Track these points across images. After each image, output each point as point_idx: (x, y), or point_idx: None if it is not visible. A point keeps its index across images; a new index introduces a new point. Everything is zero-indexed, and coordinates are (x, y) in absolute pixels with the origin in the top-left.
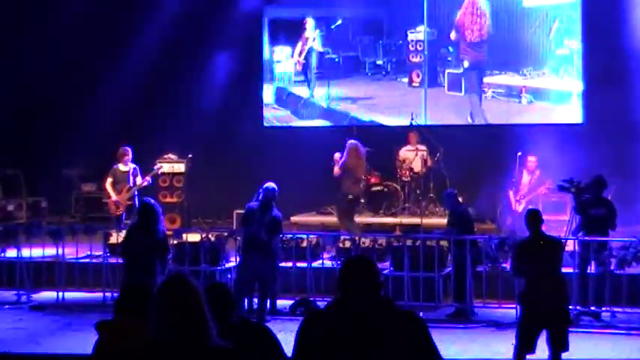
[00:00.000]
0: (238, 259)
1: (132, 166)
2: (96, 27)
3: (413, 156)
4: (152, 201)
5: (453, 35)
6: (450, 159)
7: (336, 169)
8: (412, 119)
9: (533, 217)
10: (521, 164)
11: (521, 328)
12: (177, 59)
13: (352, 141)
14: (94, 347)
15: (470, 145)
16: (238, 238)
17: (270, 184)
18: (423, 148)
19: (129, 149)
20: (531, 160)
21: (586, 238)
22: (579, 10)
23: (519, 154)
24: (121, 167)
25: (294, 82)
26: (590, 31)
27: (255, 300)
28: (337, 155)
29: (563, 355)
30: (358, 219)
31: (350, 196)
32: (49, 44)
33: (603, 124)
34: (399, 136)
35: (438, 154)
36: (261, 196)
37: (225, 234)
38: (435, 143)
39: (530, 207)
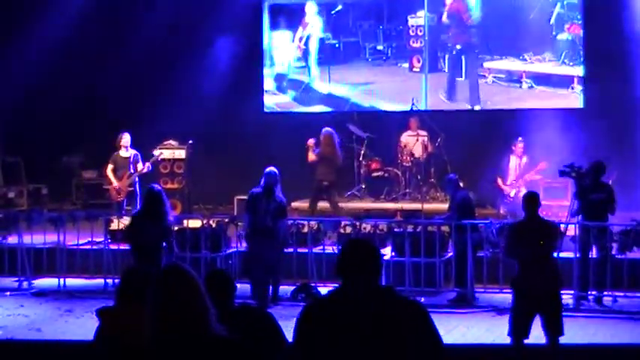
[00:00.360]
0: (243, 244)
1: (132, 152)
2: (95, 14)
3: (414, 141)
4: (158, 187)
5: (444, 18)
6: (450, 144)
7: (311, 156)
8: (413, 104)
9: (530, 200)
10: (509, 149)
11: (514, 313)
12: (177, 45)
13: (327, 129)
14: (95, 334)
15: (471, 131)
16: (239, 224)
17: (272, 169)
18: (424, 133)
19: (127, 134)
20: (519, 145)
21: (586, 222)
22: None
23: (520, 139)
24: (122, 153)
25: (294, 68)
26: (591, 16)
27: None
28: (311, 141)
29: (564, 340)
30: (323, 204)
31: (325, 183)
32: (48, 29)
33: (604, 109)
34: (400, 121)
35: (438, 140)
36: (263, 182)
37: (226, 220)
38: (436, 128)
39: (528, 190)
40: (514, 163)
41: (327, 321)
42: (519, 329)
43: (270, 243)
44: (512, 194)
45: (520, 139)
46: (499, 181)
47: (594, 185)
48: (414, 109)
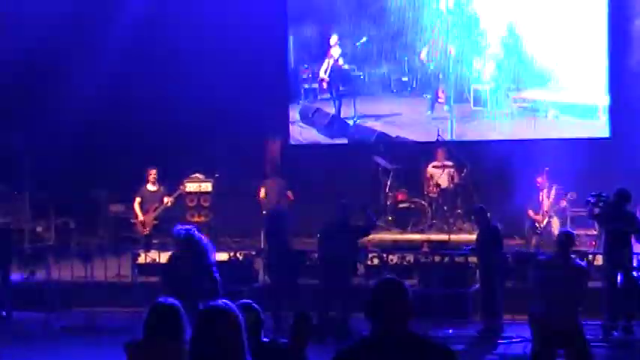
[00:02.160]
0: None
1: (160, 186)
2: (123, 48)
3: (440, 172)
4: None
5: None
6: (477, 174)
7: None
8: (438, 135)
9: (565, 240)
10: (537, 180)
11: (534, 349)
12: (204, 80)
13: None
14: None
15: (497, 161)
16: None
17: (344, 200)
18: (450, 164)
19: (154, 169)
20: (540, 179)
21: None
22: (605, 25)
23: (546, 169)
24: (149, 187)
25: (320, 100)
26: (616, 44)
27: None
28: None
29: None
30: None
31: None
32: (78, 65)
33: (630, 137)
34: (426, 152)
35: (464, 170)
36: (338, 213)
37: (254, 253)
38: (462, 159)
39: (565, 229)
40: (543, 193)
41: None
42: None
43: (344, 274)
44: (543, 224)
45: (546, 169)
46: (530, 212)
47: (618, 213)
48: (440, 139)
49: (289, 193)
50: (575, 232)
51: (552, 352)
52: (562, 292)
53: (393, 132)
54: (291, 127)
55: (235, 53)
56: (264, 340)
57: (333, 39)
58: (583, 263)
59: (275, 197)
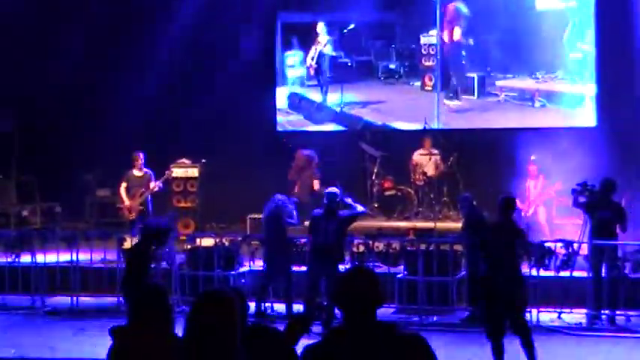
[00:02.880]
0: (256, 263)
1: (146, 171)
2: (110, 33)
3: (426, 160)
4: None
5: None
6: (463, 163)
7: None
8: (425, 123)
9: (505, 204)
10: (523, 169)
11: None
12: (191, 65)
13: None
14: (108, 353)
15: (483, 149)
16: (252, 242)
17: (332, 189)
18: (436, 152)
19: (141, 154)
20: (532, 168)
21: (594, 241)
22: (592, 14)
23: (533, 157)
24: (135, 172)
25: (307, 87)
26: (603, 34)
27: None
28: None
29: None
30: None
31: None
32: (67, 49)
33: (617, 127)
34: (413, 140)
35: (451, 158)
36: (325, 202)
37: (239, 238)
38: (449, 147)
39: (505, 194)
40: (529, 182)
41: None
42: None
43: (332, 264)
44: (529, 213)
45: (533, 157)
46: (517, 202)
47: (603, 203)
48: (427, 127)
49: (315, 183)
50: (560, 221)
51: (498, 313)
52: (503, 254)
53: (379, 119)
54: (277, 113)
55: (223, 39)
56: (249, 324)
57: (320, 26)
58: (522, 226)
59: (306, 191)
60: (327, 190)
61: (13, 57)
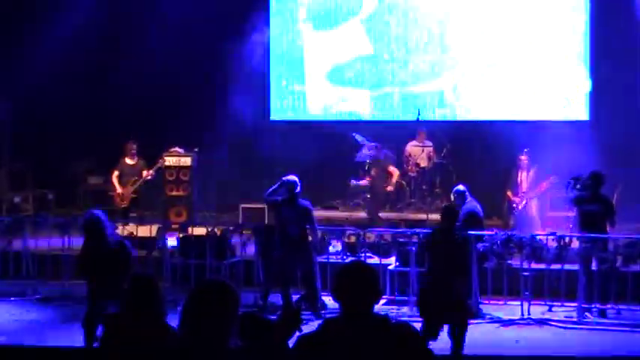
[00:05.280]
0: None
1: (139, 160)
2: (103, 21)
3: (419, 151)
4: (94, 214)
5: None
6: (457, 155)
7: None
8: (419, 114)
9: (447, 212)
10: (516, 161)
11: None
12: (184, 53)
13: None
14: (100, 340)
15: (477, 141)
16: (244, 232)
17: (291, 177)
18: (429, 143)
19: (134, 142)
20: (522, 158)
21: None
22: (587, 7)
23: (525, 150)
24: (128, 161)
25: (304, 75)
26: (597, 29)
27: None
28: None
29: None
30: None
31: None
32: (54, 36)
33: (610, 121)
34: (406, 131)
35: (444, 150)
36: (283, 191)
37: (232, 228)
38: (442, 139)
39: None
40: (522, 175)
41: (320, 352)
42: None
43: (294, 252)
44: (520, 206)
45: (526, 150)
46: (508, 192)
47: (592, 197)
48: (420, 119)
49: (391, 169)
50: (552, 213)
51: (438, 322)
52: (443, 263)
53: (373, 110)
54: (272, 102)
55: (216, 27)
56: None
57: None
58: (464, 235)
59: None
60: (285, 179)
61: (3, 45)
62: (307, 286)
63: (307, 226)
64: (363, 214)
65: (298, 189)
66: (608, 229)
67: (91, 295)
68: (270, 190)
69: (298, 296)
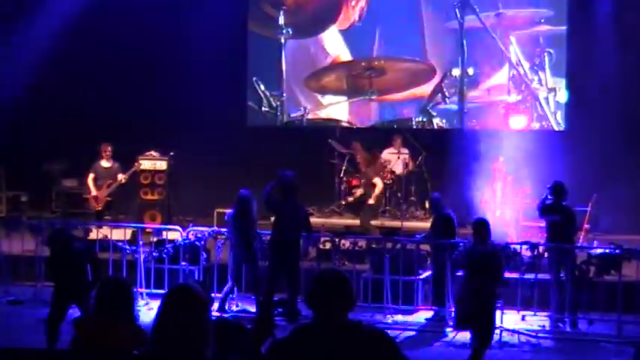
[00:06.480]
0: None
1: (114, 162)
2: (78, 25)
3: (395, 159)
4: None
5: None
6: (432, 163)
7: None
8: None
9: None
10: (491, 170)
11: None
12: (160, 56)
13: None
14: (71, 343)
15: (452, 150)
16: (218, 237)
17: (244, 192)
18: (405, 151)
19: (109, 145)
20: (499, 169)
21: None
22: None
23: (501, 159)
24: (103, 164)
25: (278, 82)
26: (574, 39)
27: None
28: None
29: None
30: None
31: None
32: (30, 39)
33: (585, 131)
34: (382, 138)
35: (420, 158)
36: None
37: (206, 233)
38: (418, 147)
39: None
40: (497, 183)
41: (293, 358)
42: None
43: (288, 257)
44: (496, 214)
45: (501, 159)
46: (482, 201)
47: (554, 207)
48: (395, 127)
49: (375, 181)
50: (527, 222)
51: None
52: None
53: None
54: (248, 107)
55: (193, 30)
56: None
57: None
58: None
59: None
60: (240, 194)
61: None
62: (290, 292)
63: (303, 234)
64: (337, 220)
65: (297, 185)
66: (574, 238)
67: (55, 296)
68: (267, 192)
69: (276, 299)
